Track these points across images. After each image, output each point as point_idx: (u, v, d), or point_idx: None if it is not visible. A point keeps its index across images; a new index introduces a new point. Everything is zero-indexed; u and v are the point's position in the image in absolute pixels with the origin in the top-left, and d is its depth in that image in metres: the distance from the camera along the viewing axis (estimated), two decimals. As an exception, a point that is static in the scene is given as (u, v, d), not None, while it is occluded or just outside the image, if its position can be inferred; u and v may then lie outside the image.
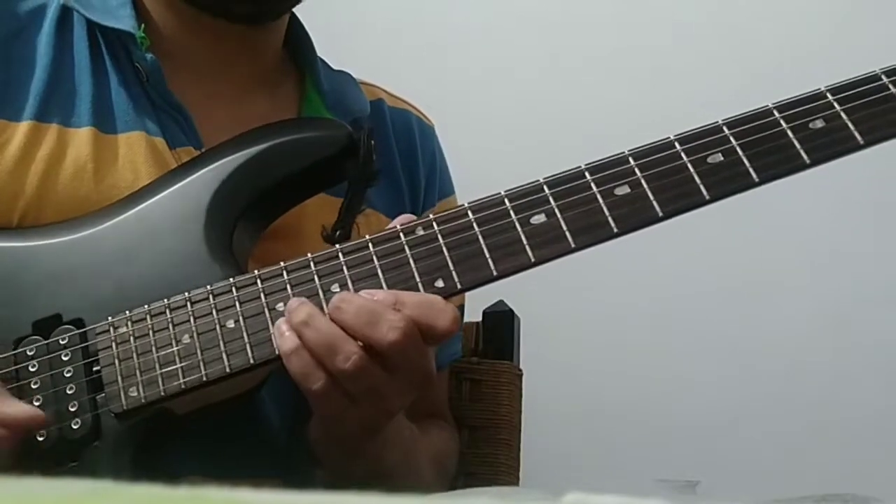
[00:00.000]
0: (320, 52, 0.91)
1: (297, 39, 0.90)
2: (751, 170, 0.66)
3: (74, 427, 0.66)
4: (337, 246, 0.68)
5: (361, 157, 0.75)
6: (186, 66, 0.84)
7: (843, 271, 1.64)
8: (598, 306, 1.69)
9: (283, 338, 0.64)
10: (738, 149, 0.66)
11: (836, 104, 0.66)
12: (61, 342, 0.68)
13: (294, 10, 0.88)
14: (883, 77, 0.67)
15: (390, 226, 0.69)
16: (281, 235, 0.77)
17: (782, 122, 0.67)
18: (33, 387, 0.67)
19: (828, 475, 1.54)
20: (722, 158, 0.67)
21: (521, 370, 1.07)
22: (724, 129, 0.67)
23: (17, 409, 0.63)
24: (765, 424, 1.64)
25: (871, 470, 1.51)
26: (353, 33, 1.72)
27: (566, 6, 1.75)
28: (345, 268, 0.67)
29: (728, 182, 0.66)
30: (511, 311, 1.06)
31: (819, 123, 0.66)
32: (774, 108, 0.68)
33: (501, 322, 1.06)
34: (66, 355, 0.67)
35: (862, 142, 0.66)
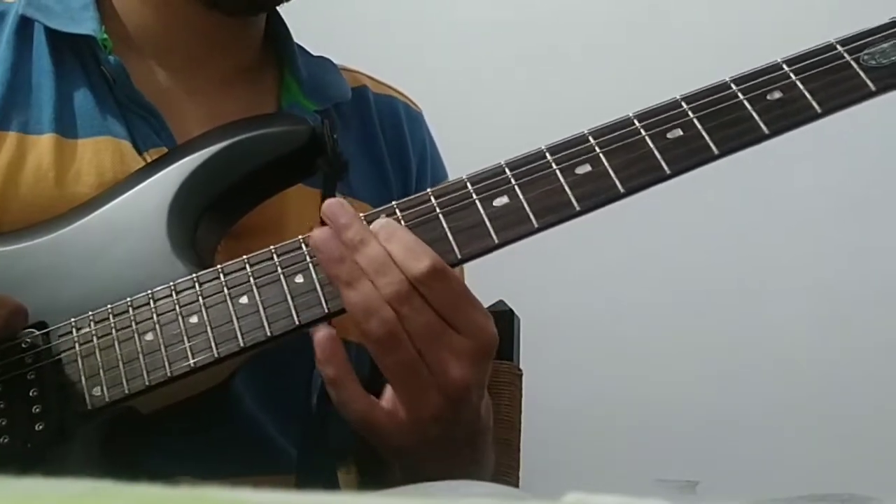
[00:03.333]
0: (315, 46, 0.90)
1: (275, 28, 0.89)
2: (710, 143, 0.66)
3: (38, 429, 0.65)
4: (299, 237, 0.68)
5: (328, 150, 0.75)
6: (161, 63, 0.83)
7: (841, 270, 1.63)
8: (597, 306, 1.69)
9: (338, 267, 0.63)
10: (696, 122, 0.66)
11: (792, 74, 0.66)
12: (23, 346, 0.67)
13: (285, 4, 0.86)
14: (838, 46, 0.67)
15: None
16: (262, 231, 0.76)
17: (740, 94, 0.67)
18: None
19: (827, 475, 1.53)
20: (681, 133, 0.67)
21: (520, 370, 1.07)
22: (683, 104, 0.67)
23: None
24: (764, 424, 1.63)
25: (870, 469, 1.50)
26: (348, 27, 1.72)
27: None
28: (307, 258, 0.67)
29: (688, 156, 0.66)
30: (511, 310, 1.06)
31: (776, 94, 0.66)
32: (732, 80, 0.68)
33: (501, 322, 1.05)
34: (28, 358, 0.67)
35: (819, 110, 0.65)
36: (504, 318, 1.05)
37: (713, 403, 1.65)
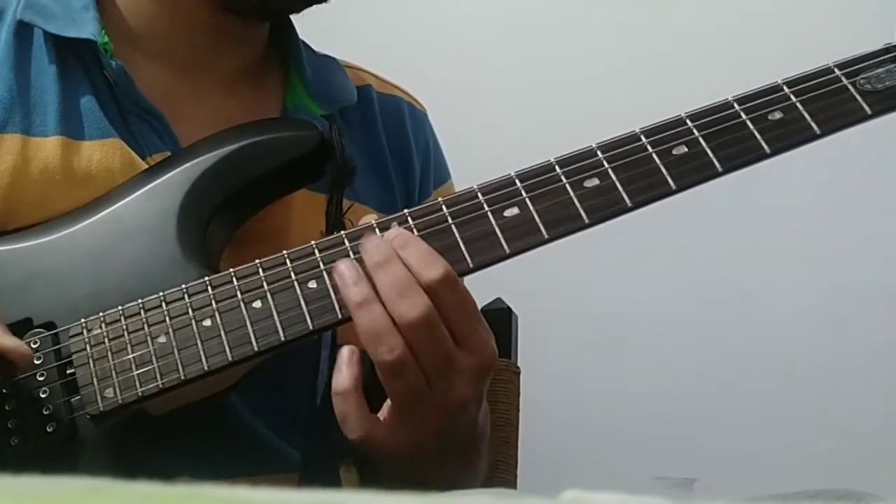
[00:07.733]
0: (315, 40, 0.90)
1: (281, 27, 0.88)
2: (714, 160, 0.68)
3: (49, 431, 0.65)
4: (312, 242, 0.69)
5: (337, 155, 0.76)
6: (164, 63, 0.82)
7: (838, 269, 1.66)
8: (595, 304, 1.70)
9: (352, 289, 0.63)
10: (701, 140, 0.69)
11: (792, 96, 0.69)
12: (32, 346, 0.66)
13: None
14: (836, 70, 0.70)
15: (363, 220, 0.70)
16: (268, 237, 0.76)
17: (742, 114, 0.69)
18: (5, 391, 0.66)
19: (824, 473, 1.55)
20: (686, 150, 0.69)
21: (518, 368, 1.07)
22: (688, 121, 0.70)
23: (11, 341, 0.64)
24: (762, 422, 1.66)
25: (868, 467, 1.52)
26: (353, 23, 1.71)
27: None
28: (321, 264, 0.68)
29: (693, 172, 0.68)
30: (509, 308, 1.06)
31: (777, 115, 0.69)
32: (735, 100, 0.70)
33: (499, 319, 1.04)
34: (38, 358, 0.66)
35: (818, 132, 0.68)
36: (502, 315, 1.05)
37: (711, 401, 1.67)
